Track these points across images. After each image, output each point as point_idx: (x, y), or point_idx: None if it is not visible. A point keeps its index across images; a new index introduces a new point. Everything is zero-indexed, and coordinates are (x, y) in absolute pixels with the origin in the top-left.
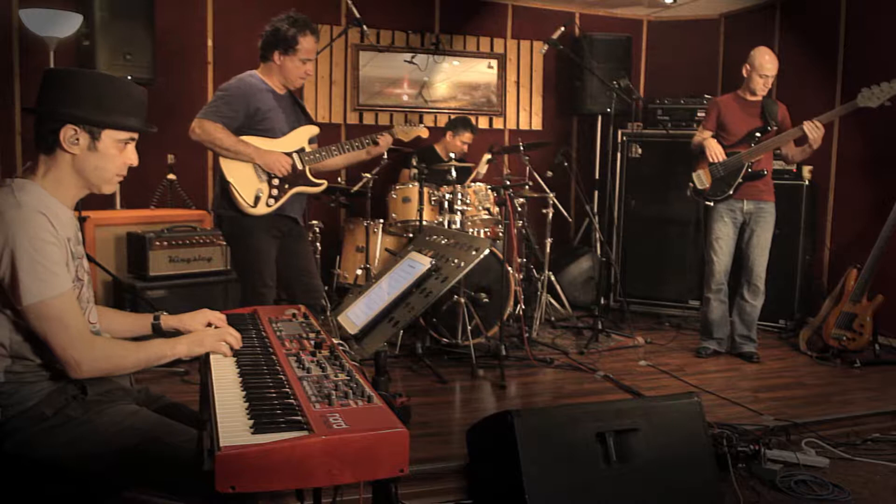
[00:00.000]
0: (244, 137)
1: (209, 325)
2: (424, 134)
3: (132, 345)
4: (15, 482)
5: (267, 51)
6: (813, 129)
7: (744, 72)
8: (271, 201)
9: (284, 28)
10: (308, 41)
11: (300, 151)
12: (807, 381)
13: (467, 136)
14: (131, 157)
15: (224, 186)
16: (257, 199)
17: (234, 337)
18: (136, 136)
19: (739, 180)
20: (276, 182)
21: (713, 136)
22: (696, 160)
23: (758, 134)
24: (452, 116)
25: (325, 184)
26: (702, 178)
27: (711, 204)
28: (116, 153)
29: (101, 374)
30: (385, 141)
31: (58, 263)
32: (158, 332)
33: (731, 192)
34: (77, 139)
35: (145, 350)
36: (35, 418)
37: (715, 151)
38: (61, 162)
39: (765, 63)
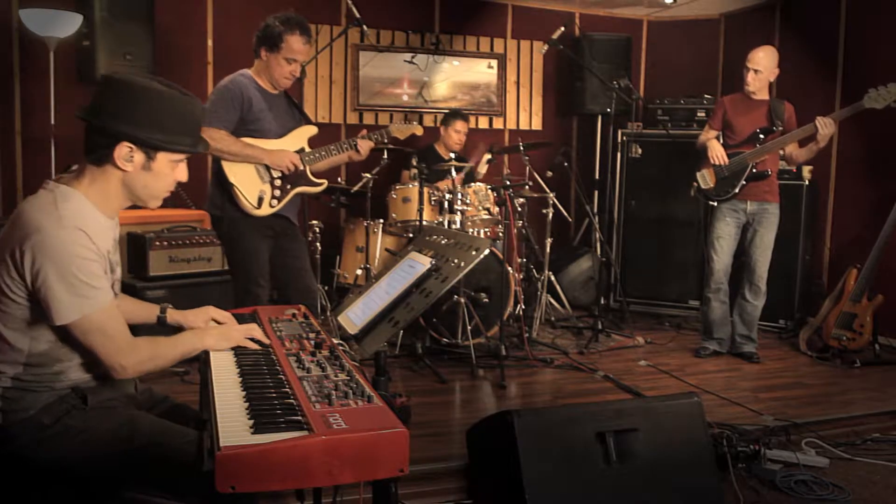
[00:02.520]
0: (241, 139)
1: (213, 321)
2: (419, 132)
3: (169, 341)
4: (14, 486)
5: (256, 47)
6: (825, 125)
7: (744, 69)
8: (274, 202)
9: (274, 25)
10: (295, 41)
11: (300, 151)
12: (807, 381)
13: (459, 125)
14: (182, 174)
15: (225, 188)
16: (260, 200)
17: (260, 333)
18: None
19: (743, 181)
20: (278, 183)
21: (719, 136)
22: (701, 159)
23: (761, 135)
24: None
25: (325, 183)
26: (706, 178)
27: (715, 204)
28: (169, 172)
29: (145, 373)
30: (366, 146)
31: (98, 277)
32: (163, 325)
33: (735, 192)
34: (132, 157)
35: (180, 345)
36: (34, 427)
37: (717, 154)
38: (110, 176)
39: (754, 57)
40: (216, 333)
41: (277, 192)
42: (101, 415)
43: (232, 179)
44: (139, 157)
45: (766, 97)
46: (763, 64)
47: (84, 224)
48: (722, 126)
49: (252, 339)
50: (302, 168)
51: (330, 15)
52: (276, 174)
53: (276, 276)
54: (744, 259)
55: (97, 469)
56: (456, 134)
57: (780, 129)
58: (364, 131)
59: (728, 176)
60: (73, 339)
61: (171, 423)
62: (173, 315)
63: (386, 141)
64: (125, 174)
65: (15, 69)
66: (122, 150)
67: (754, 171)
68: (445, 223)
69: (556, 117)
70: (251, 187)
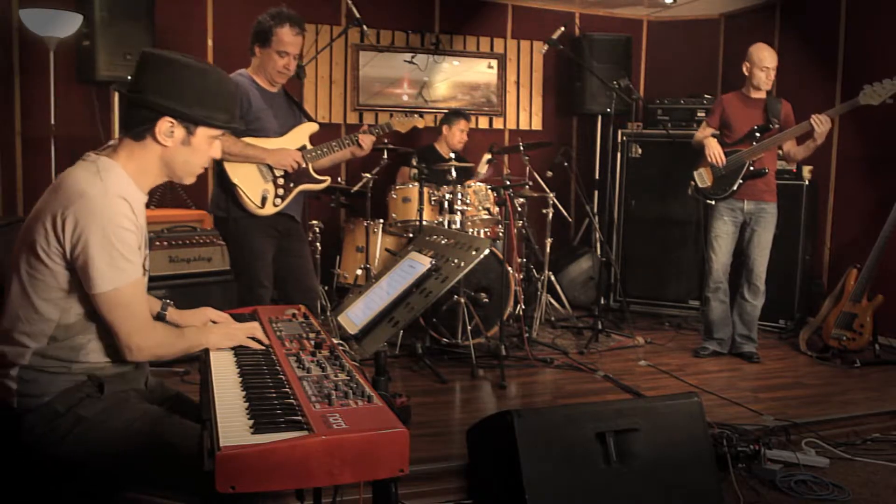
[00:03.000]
0: (242, 139)
1: (211, 322)
2: (420, 124)
3: (178, 332)
4: (27, 476)
5: (251, 45)
6: (821, 123)
7: (744, 69)
8: (278, 201)
9: (264, 21)
10: (284, 33)
11: (302, 149)
12: (807, 381)
13: (462, 124)
14: (217, 151)
15: (228, 188)
16: (264, 199)
17: (261, 332)
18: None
19: (741, 179)
20: (281, 182)
21: (716, 134)
22: (698, 157)
23: (758, 133)
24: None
25: (328, 180)
26: (703, 177)
27: (713, 202)
28: (207, 147)
29: (155, 359)
30: (367, 141)
31: (134, 251)
32: (161, 321)
33: (733, 190)
34: (172, 132)
35: (186, 339)
36: (47, 416)
37: (714, 152)
38: (150, 151)
39: (764, 57)
40: (220, 332)
41: (281, 191)
42: (115, 407)
43: (234, 180)
44: (180, 132)
45: (763, 95)
46: (774, 61)
47: (127, 194)
48: (719, 124)
49: (254, 339)
50: (304, 166)
51: (330, 15)
52: (278, 173)
53: (278, 276)
54: (742, 259)
55: (104, 462)
56: (460, 133)
57: (777, 126)
58: (365, 126)
59: (726, 174)
60: (98, 314)
61: (181, 420)
62: (172, 314)
63: (387, 134)
64: (164, 149)
65: (15, 69)
66: (164, 125)
67: (752, 168)
68: (445, 223)
69: (556, 117)
70: (254, 187)
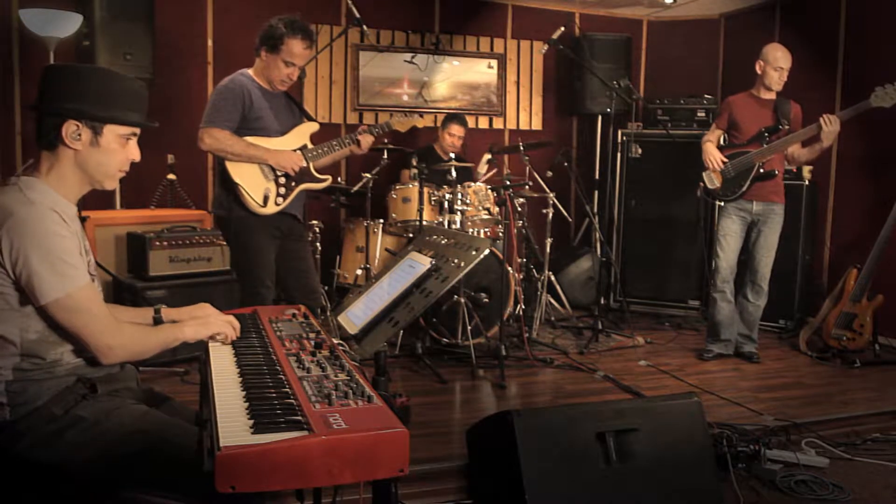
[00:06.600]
0: (245, 139)
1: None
2: (420, 124)
3: (150, 329)
4: (26, 485)
5: (258, 46)
6: (829, 122)
7: (757, 68)
8: (280, 200)
9: (277, 26)
10: (295, 44)
11: (303, 148)
12: (807, 381)
13: (454, 129)
14: (133, 152)
15: (230, 188)
16: (266, 198)
17: (236, 325)
18: (137, 131)
19: (750, 181)
20: (282, 181)
21: (725, 134)
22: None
23: (766, 133)
24: None
25: (329, 179)
26: (712, 179)
27: (722, 204)
28: (119, 148)
29: (131, 357)
30: (366, 140)
31: (75, 255)
32: (159, 325)
33: (743, 191)
34: (79, 134)
35: (160, 334)
36: (44, 418)
37: (711, 158)
38: (64, 158)
39: (779, 57)
40: (194, 324)
41: (282, 190)
42: (112, 406)
43: (237, 179)
44: (86, 133)
45: (773, 96)
46: (788, 62)
47: (54, 205)
48: (728, 125)
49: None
50: (306, 166)
51: (330, 15)
52: (280, 172)
53: (281, 278)
54: (746, 259)
55: (105, 465)
56: (450, 137)
57: (787, 127)
58: (364, 126)
59: (735, 176)
60: (61, 326)
61: (180, 421)
62: (168, 313)
63: (386, 132)
64: (77, 154)
65: (15, 69)
66: (70, 127)
67: (761, 171)
68: (445, 223)
69: (556, 117)
70: (256, 186)
